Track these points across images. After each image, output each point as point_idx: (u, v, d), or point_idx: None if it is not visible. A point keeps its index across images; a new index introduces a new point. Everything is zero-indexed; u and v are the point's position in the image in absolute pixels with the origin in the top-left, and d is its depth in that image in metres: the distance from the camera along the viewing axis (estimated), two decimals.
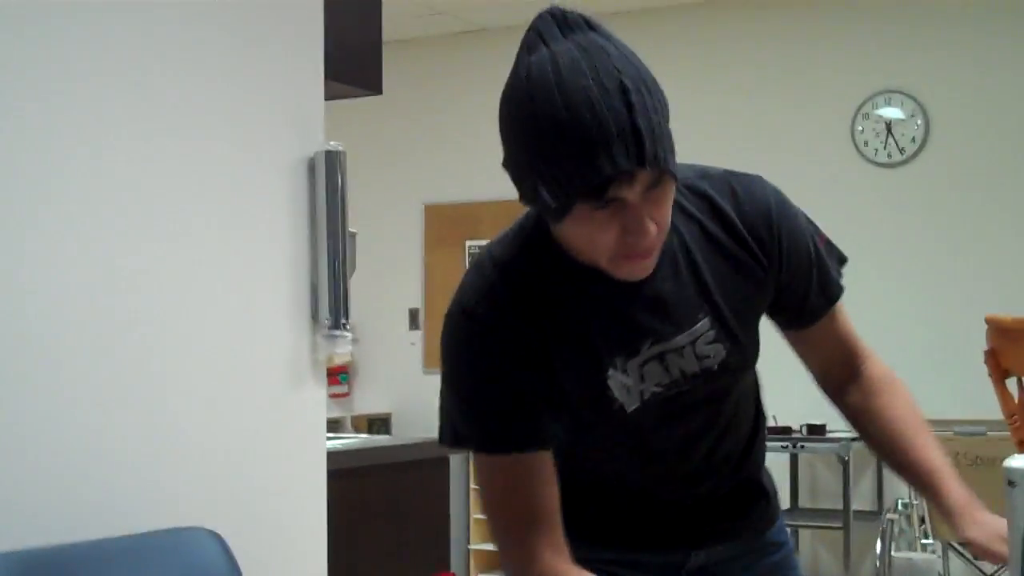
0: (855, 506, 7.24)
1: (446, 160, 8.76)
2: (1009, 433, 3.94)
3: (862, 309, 7.81)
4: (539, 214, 1.97)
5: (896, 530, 5.79)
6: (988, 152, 7.35)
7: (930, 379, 7.25)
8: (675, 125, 1.83)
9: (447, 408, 2.01)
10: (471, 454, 2.02)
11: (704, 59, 8.07)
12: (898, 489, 7.15)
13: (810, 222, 2.16)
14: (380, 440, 3.88)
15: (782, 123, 7.84)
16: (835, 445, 6.93)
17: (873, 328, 7.72)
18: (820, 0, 7.78)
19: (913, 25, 7.57)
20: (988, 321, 3.88)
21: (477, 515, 8.08)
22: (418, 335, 8.77)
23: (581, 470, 2.08)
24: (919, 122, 7.55)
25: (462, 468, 8.05)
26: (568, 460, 2.00)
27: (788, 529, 2.42)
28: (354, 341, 3.21)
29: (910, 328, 7.41)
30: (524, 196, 1.94)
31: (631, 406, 1.99)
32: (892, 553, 1.95)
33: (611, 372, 1.97)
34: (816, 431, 7.19)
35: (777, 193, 2.08)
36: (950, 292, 7.35)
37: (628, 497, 2.15)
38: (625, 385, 1.98)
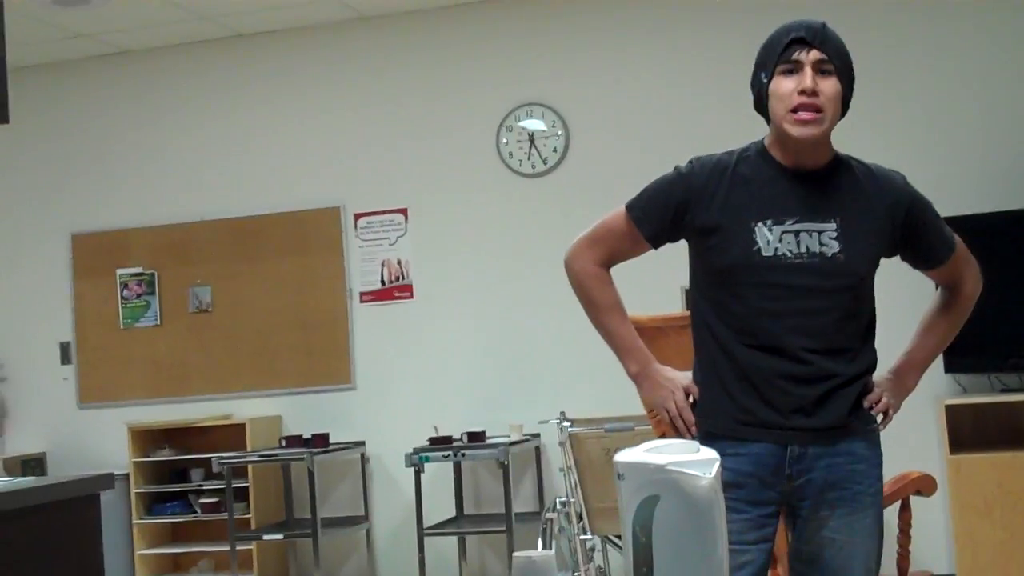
0: (518, 508, 7.42)
1: (92, 187, 8.50)
2: (651, 427, 4.09)
3: (516, 318, 8.06)
4: (763, 112, 3.06)
5: (556, 528, 5.97)
6: (625, 159, 7.65)
7: (580, 379, 7.53)
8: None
9: (641, 194, 3.29)
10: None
11: (353, 74, 8.12)
12: (557, 488, 7.37)
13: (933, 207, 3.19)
14: (26, 482, 3.70)
15: (429, 136, 7.97)
16: (495, 451, 7.08)
17: (527, 331, 7.97)
18: (462, 15, 7.95)
19: (552, 39, 7.83)
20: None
21: (141, 551, 7.90)
22: (71, 369, 8.46)
23: (721, 337, 3.07)
24: (560, 133, 7.80)
25: (123, 503, 7.84)
26: (713, 324, 3.10)
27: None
28: (1, 379, 3.09)
29: (556, 330, 7.64)
30: (755, 101, 3.08)
31: (766, 252, 2.97)
32: (522, 553, 2.01)
33: (759, 224, 2.99)
34: (476, 438, 7.34)
35: (911, 185, 3.13)
36: None
37: (756, 367, 3.02)
38: (766, 238, 2.98)
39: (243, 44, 8.31)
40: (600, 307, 3.29)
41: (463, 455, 7.23)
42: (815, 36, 2.94)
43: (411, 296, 7.98)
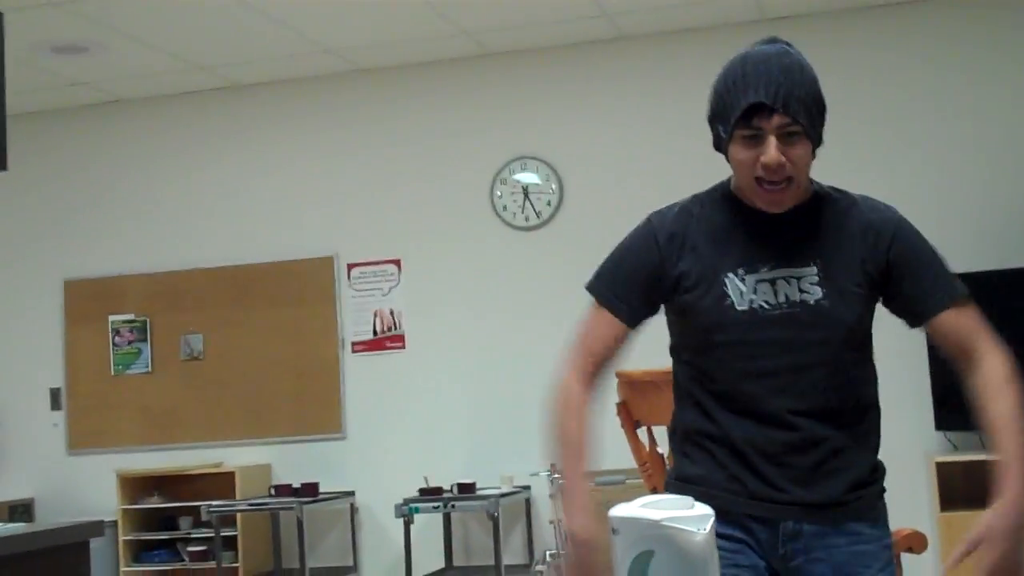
0: (507, 560, 7.40)
1: (86, 234, 8.52)
2: (643, 480, 4.11)
3: (508, 370, 8.06)
4: (723, 154, 2.66)
5: None
6: (618, 214, 7.67)
7: None
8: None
9: (601, 267, 2.90)
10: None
11: (348, 125, 8.16)
12: (547, 541, 7.36)
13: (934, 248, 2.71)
14: (14, 528, 3.68)
15: (423, 187, 8.01)
16: (485, 502, 7.06)
17: (518, 383, 7.97)
18: (458, 69, 8.01)
19: (547, 93, 7.88)
20: (617, 375, 4.02)
21: None
22: (60, 415, 8.44)
23: (704, 404, 2.70)
24: (554, 186, 7.84)
25: (111, 550, 7.80)
26: (694, 391, 2.72)
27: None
28: None
29: (548, 383, 7.63)
30: (714, 142, 2.68)
31: (740, 306, 2.63)
32: None
33: (731, 275, 2.65)
34: (466, 489, 7.32)
35: (902, 216, 2.71)
36: None
37: (737, 432, 2.65)
38: (739, 289, 2.64)
39: (238, 94, 8.36)
40: (557, 440, 2.76)
41: (453, 506, 7.21)
42: (776, 99, 2.52)
43: (403, 347, 7.99)
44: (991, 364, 2.61)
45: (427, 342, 7.95)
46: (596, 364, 2.78)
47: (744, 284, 2.65)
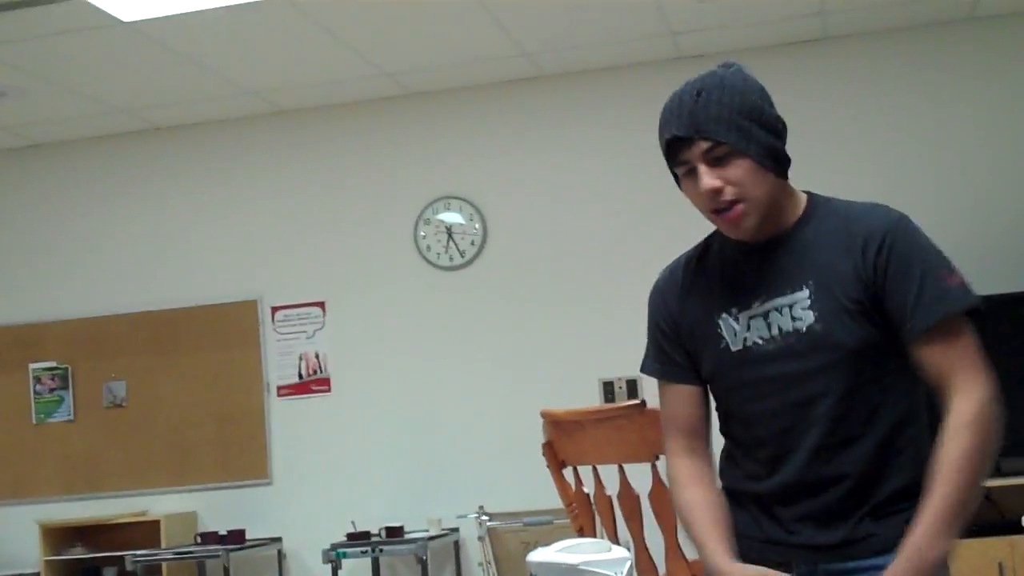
0: None
1: (4, 280, 8.39)
2: (569, 520, 4.09)
3: (435, 411, 8.02)
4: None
5: None
6: (542, 252, 7.71)
7: (498, 473, 7.50)
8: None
9: (646, 346, 2.79)
10: None
11: (269, 167, 8.12)
12: None
13: (939, 255, 2.49)
14: None
15: (347, 229, 7.98)
16: (413, 546, 7.01)
17: (445, 425, 7.94)
18: (379, 109, 8.00)
19: (469, 133, 7.90)
20: (543, 415, 4.00)
21: None
22: None
23: (728, 448, 2.68)
24: (477, 226, 7.84)
25: None
26: (725, 434, 2.68)
27: None
28: None
29: (475, 424, 7.64)
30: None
31: (735, 347, 2.56)
32: None
33: (724, 316, 2.59)
34: (394, 533, 7.27)
35: (903, 219, 2.51)
36: (512, 388, 7.63)
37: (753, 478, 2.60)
38: (733, 329, 2.57)
39: (160, 137, 8.29)
40: (684, 519, 2.67)
41: (381, 550, 7.16)
42: (690, 126, 2.44)
43: (329, 390, 7.93)
44: (957, 406, 2.40)
45: (353, 385, 7.90)
46: (689, 436, 2.72)
47: (737, 323, 2.57)
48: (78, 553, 7.84)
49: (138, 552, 7.39)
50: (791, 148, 2.59)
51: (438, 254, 7.89)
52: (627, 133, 7.59)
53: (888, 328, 2.47)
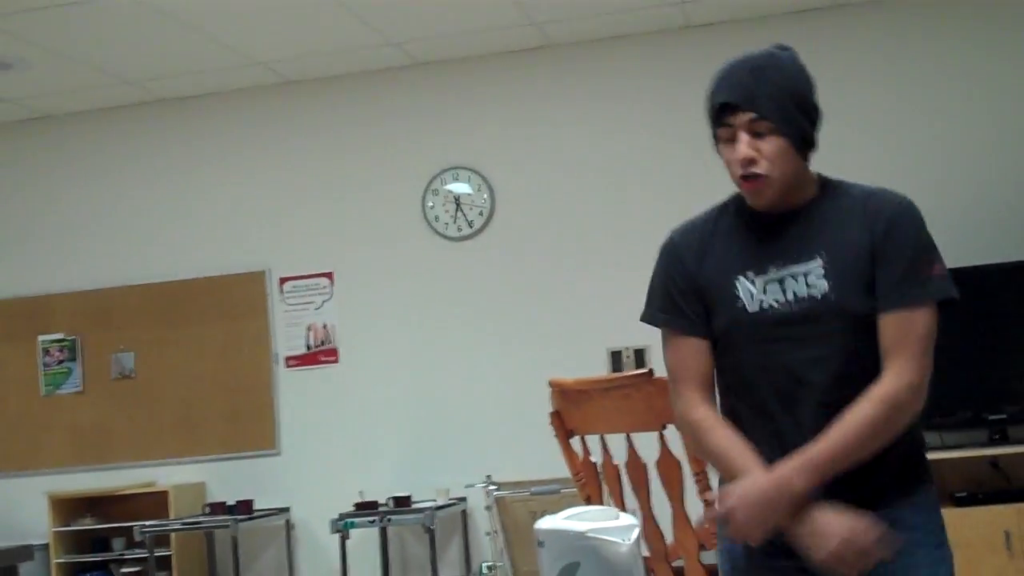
0: (444, 573, 7.38)
1: (13, 252, 8.40)
2: (577, 490, 4.10)
3: (442, 381, 8.03)
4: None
5: None
6: (549, 222, 7.70)
7: (506, 443, 7.51)
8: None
9: (647, 297, 2.91)
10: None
11: (278, 137, 8.11)
12: (484, 553, 7.33)
13: (932, 245, 2.71)
14: None
15: (355, 200, 7.97)
16: (421, 515, 7.03)
17: (453, 395, 7.95)
18: (387, 79, 7.98)
19: (478, 103, 7.88)
20: (551, 384, 4.01)
21: None
22: None
23: (735, 408, 2.78)
24: (485, 196, 7.83)
25: (43, 573, 7.70)
26: (727, 397, 2.81)
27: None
28: None
29: (482, 393, 7.65)
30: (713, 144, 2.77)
31: (751, 308, 2.73)
32: None
33: (740, 278, 2.75)
34: (402, 503, 7.29)
35: (911, 204, 2.73)
36: (520, 358, 7.63)
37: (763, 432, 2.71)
38: (750, 291, 2.74)
39: (167, 108, 8.28)
40: (714, 455, 2.75)
41: (389, 520, 7.18)
42: (742, 96, 2.66)
43: (336, 360, 7.94)
44: (885, 379, 2.62)
45: (361, 355, 7.91)
46: (704, 388, 2.82)
47: (754, 286, 2.75)
48: (87, 524, 7.87)
49: (147, 523, 7.41)
50: None
51: (446, 224, 7.88)
52: (635, 102, 7.57)
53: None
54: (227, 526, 7.26)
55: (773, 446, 2.68)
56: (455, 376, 7.76)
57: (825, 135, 2.94)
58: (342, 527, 7.12)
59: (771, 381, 2.71)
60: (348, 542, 7.21)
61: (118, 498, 7.92)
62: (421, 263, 7.88)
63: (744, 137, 2.67)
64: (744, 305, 2.74)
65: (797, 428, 2.66)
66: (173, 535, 7.60)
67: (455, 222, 7.88)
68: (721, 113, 2.69)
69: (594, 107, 7.71)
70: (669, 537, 3.78)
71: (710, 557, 3.75)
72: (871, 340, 2.67)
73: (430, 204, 7.90)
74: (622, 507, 3.83)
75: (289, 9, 6.81)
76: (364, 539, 7.61)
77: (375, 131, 8.00)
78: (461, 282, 7.81)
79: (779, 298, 2.71)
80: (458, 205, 7.88)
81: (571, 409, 3.99)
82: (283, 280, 8.05)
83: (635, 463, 3.81)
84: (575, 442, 4.05)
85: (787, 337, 2.70)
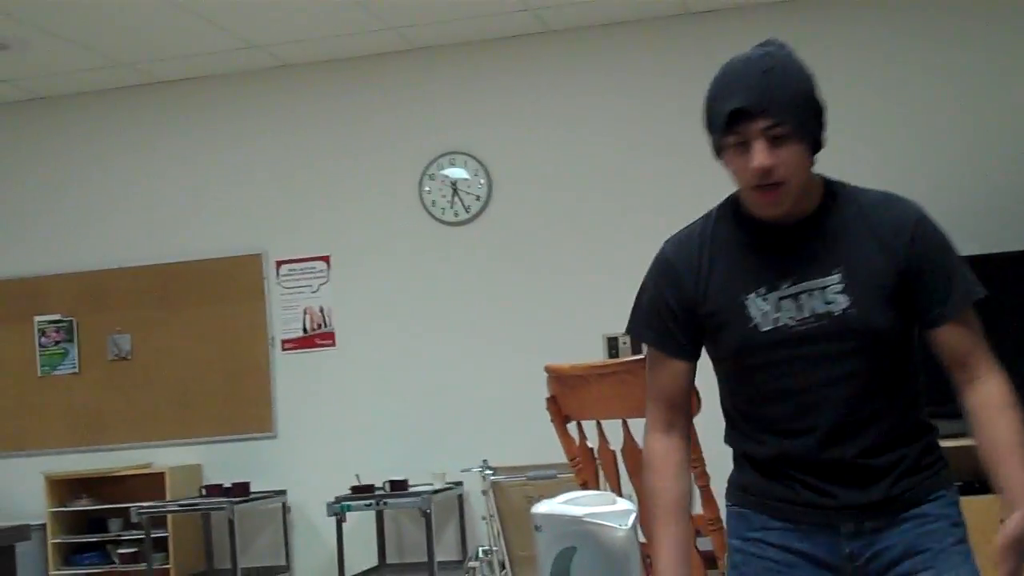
0: (440, 557, 7.39)
1: (9, 233, 8.40)
2: (574, 475, 4.11)
3: (439, 365, 8.03)
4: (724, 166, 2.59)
5: None
6: (546, 207, 7.71)
7: (502, 427, 7.53)
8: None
9: (634, 311, 2.77)
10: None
11: (275, 121, 8.11)
12: (480, 537, 7.35)
13: (956, 250, 2.64)
14: None
15: (352, 184, 7.97)
16: (417, 499, 7.05)
17: (449, 379, 7.95)
18: (385, 64, 7.98)
19: (474, 88, 7.88)
20: (547, 370, 4.01)
21: None
22: None
23: (745, 424, 2.69)
24: (482, 181, 7.84)
25: (39, 553, 7.72)
26: (734, 411, 2.70)
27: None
28: None
29: (479, 378, 7.67)
30: (713, 150, 2.60)
31: (765, 327, 2.58)
32: None
33: (752, 296, 2.59)
34: (398, 487, 7.31)
35: (925, 213, 2.62)
36: (516, 343, 7.65)
37: (777, 452, 2.64)
38: (762, 310, 2.59)
39: (164, 91, 8.27)
40: (650, 504, 2.72)
41: (385, 504, 7.19)
42: (757, 101, 2.47)
43: (333, 344, 7.95)
44: (988, 388, 2.61)
45: (357, 339, 7.92)
46: (671, 409, 2.74)
47: (767, 303, 2.59)
48: (83, 505, 7.89)
49: (143, 504, 7.43)
50: None
51: (443, 209, 7.89)
52: (633, 88, 7.57)
53: (908, 315, 2.61)
54: (223, 508, 7.28)
55: (781, 464, 2.64)
56: (452, 360, 7.77)
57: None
58: (338, 510, 7.14)
59: (785, 401, 2.62)
60: (344, 525, 7.22)
61: (114, 479, 7.93)
62: (418, 248, 7.88)
63: (761, 145, 2.48)
64: (756, 324, 2.60)
65: (808, 448, 2.61)
66: (169, 517, 7.62)
67: (452, 207, 7.88)
68: (733, 120, 2.49)
69: (592, 93, 7.71)
70: None
71: (706, 544, 3.77)
72: (892, 356, 2.61)
73: (427, 189, 7.91)
74: (619, 492, 3.85)
75: None
76: (360, 522, 7.63)
77: (373, 115, 8.00)
78: (458, 267, 7.82)
79: (795, 315, 2.58)
80: (455, 190, 7.88)
81: (567, 394, 4.00)
82: (280, 263, 8.06)
83: (631, 448, 3.82)
84: (571, 427, 4.06)
85: (805, 357, 2.58)
